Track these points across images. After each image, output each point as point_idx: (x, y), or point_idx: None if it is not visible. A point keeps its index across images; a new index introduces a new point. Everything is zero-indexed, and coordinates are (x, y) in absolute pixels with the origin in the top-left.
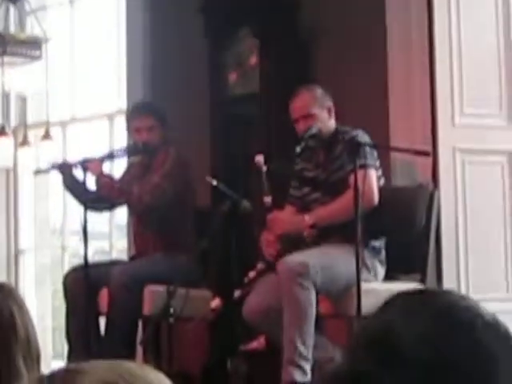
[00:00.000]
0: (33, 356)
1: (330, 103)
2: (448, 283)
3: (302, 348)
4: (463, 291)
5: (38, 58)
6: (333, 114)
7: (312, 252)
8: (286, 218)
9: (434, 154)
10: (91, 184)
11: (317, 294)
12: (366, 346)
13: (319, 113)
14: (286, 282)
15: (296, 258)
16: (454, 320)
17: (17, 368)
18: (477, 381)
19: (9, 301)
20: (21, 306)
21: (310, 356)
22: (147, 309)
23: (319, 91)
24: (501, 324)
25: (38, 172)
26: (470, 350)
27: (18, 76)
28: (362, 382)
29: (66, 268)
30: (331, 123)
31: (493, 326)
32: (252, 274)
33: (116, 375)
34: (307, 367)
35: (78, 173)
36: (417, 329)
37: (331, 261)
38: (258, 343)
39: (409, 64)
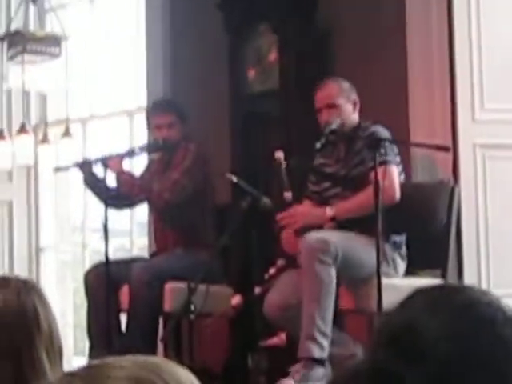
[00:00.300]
0: (55, 350)
1: (355, 97)
2: (469, 279)
3: (320, 323)
4: (484, 287)
5: (58, 55)
6: (357, 108)
7: (334, 232)
8: (306, 211)
9: (454, 149)
10: (111, 181)
11: (337, 276)
12: (387, 343)
13: (344, 104)
14: (306, 257)
15: (317, 235)
16: (476, 316)
17: (40, 361)
18: (498, 375)
19: (32, 295)
20: (43, 301)
21: (328, 332)
22: (168, 305)
23: (346, 84)
24: None
25: (58, 170)
26: (491, 345)
27: (38, 74)
28: (383, 378)
29: (87, 265)
30: (354, 117)
31: None
32: (272, 270)
33: (147, 371)
34: (325, 343)
35: (98, 170)
36: (439, 325)
37: (352, 243)
38: (278, 339)
39: (428, 59)
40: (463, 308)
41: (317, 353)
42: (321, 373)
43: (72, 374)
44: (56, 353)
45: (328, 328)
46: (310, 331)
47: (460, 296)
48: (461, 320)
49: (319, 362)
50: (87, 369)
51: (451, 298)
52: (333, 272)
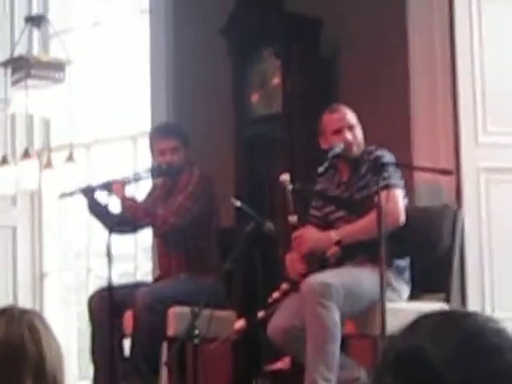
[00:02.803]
0: (48, 380)
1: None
2: (473, 302)
3: (324, 370)
4: (488, 310)
5: (62, 80)
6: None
7: (334, 272)
8: (311, 235)
9: (457, 173)
10: (115, 206)
11: (341, 316)
12: (393, 365)
13: (357, 126)
14: (308, 302)
15: (318, 278)
16: (483, 344)
17: None
18: None
19: (23, 326)
20: (38, 330)
21: (332, 377)
22: (172, 330)
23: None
24: None
25: (62, 196)
26: (497, 374)
27: (42, 99)
28: None
29: (91, 290)
30: (362, 141)
31: None
32: (276, 294)
33: None
34: None
35: (101, 196)
36: (446, 350)
37: (354, 281)
38: (282, 363)
39: (432, 82)
40: (471, 335)
41: None
42: None
43: None
44: (49, 382)
45: (332, 374)
46: (313, 378)
47: (468, 323)
48: (469, 347)
49: None
50: None
51: (459, 325)
52: (337, 316)
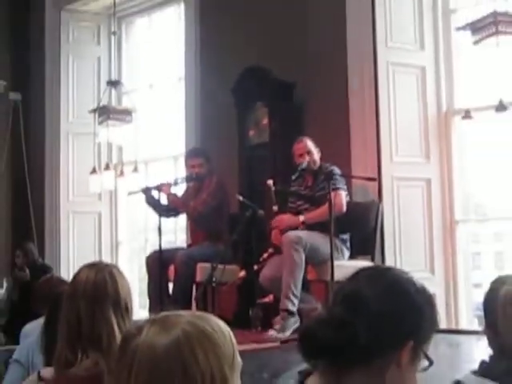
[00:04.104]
0: (122, 307)
1: (318, 148)
2: (389, 261)
3: (293, 289)
4: (398, 265)
5: (130, 121)
6: (320, 154)
7: (304, 231)
8: (286, 218)
9: (379, 180)
10: (163, 200)
11: (306, 261)
12: (341, 301)
13: (314, 151)
14: (286, 247)
15: (293, 232)
16: (399, 287)
17: (108, 316)
18: (409, 322)
19: (105, 273)
20: (115, 276)
21: (298, 294)
22: (199, 277)
23: (311, 141)
24: (426, 289)
25: (130, 193)
26: (407, 306)
27: (117, 133)
28: (339, 324)
29: (148, 252)
30: (318, 159)
31: (421, 291)
32: (265, 255)
33: (199, 318)
34: (296, 302)
35: (155, 193)
36: (376, 292)
37: (315, 238)
38: (268, 298)
39: (363, 123)
40: (391, 281)
41: (290, 307)
42: (293, 321)
43: (152, 320)
44: (123, 309)
45: (298, 292)
46: (287, 293)
47: (389, 273)
48: (389, 289)
49: (292, 313)
50: (161, 317)
51: (383, 275)
52: (302, 256)
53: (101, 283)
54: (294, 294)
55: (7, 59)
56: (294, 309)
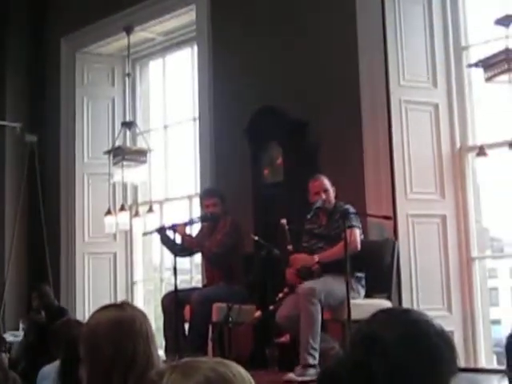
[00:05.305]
0: (150, 342)
1: (333, 187)
2: (405, 300)
3: (312, 343)
4: (415, 305)
5: (145, 162)
6: (335, 193)
7: (318, 281)
8: (301, 257)
9: (394, 217)
10: (178, 240)
11: (322, 308)
12: (359, 342)
13: (330, 189)
14: (301, 299)
15: (307, 284)
16: (417, 330)
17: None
18: (430, 368)
19: (135, 311)
20: (139, 312)
21: (317, 347)
22: (215, 317)
23: (327, 179)
24: (444, 331)
25: (145, 234)
26: (427, 351)
27: (132, 173)
28: (358, 366)
29: (163, 292)
30: (333, 198)
31: (440, 333)
32: (281, 294)
33: (221, 365)
34: (316, 355)
35: (170, 233)
36: (394, 334)
37: (330, 286)
38: (285, 338)
39: (377, 161)
40: (409, 324)
41: (311, 361)
42: (313, 372)
43: (173, 366)
44: (144, 338)
45: (317, 344)
46: (306, 347)
47: (407, 315)
48: (407, 332)
49: (313, 366)
50: (182, 363)
51: (401, 317)
52: (319, 308)
53: (130, 320)
54: (313, 348)
55: (23, 101)
56: (314, 362)
